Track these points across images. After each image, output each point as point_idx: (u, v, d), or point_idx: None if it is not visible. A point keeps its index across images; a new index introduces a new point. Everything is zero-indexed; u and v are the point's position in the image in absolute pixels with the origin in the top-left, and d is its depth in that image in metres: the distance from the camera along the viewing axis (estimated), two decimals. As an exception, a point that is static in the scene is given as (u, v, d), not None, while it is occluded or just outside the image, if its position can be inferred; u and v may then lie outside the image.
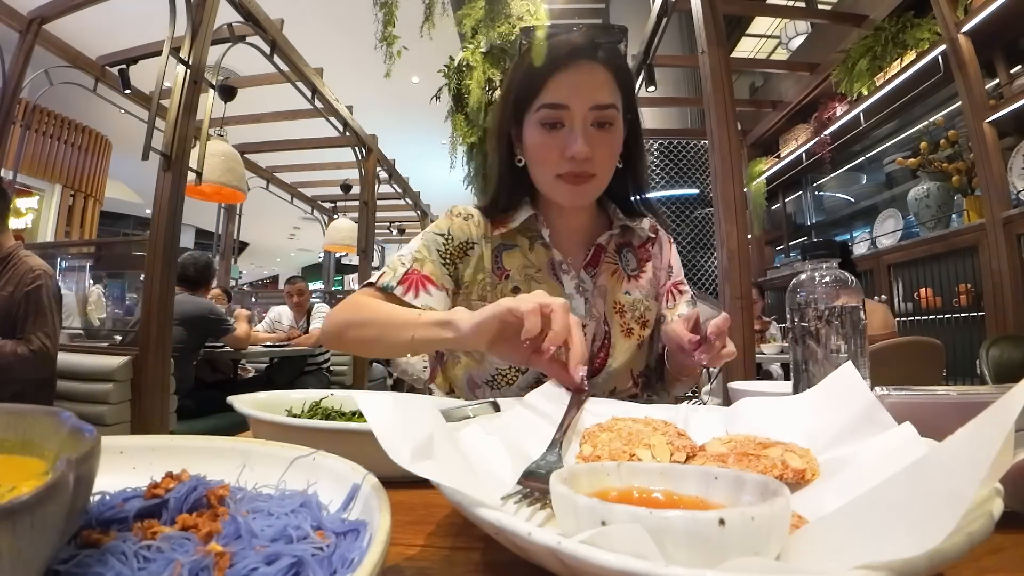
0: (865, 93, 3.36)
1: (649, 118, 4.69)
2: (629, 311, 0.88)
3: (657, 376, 0.96)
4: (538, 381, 0.84)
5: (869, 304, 2.46)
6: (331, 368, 3.74)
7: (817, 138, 3.95)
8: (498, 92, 3.50)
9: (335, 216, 5.72)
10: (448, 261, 0.85)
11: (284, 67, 3.05)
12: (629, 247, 0.93)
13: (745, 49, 5.86)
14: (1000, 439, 0.21)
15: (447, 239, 0.85)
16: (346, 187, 5.31)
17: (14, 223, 5.31)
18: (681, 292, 0.94)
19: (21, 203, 5.51)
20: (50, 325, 1.67)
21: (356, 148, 4.08)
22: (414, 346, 0.67)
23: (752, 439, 0.40)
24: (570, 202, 0.82)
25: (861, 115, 3.58)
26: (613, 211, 0.92)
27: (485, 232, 0.87)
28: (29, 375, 1.65)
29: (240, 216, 5.40)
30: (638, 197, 0.92)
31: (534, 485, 0.34)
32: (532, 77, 0.78)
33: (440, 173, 5.24)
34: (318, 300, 4.32)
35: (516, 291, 0.84)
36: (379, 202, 5.20)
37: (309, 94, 3.30)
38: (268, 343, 3.40)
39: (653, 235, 0.96)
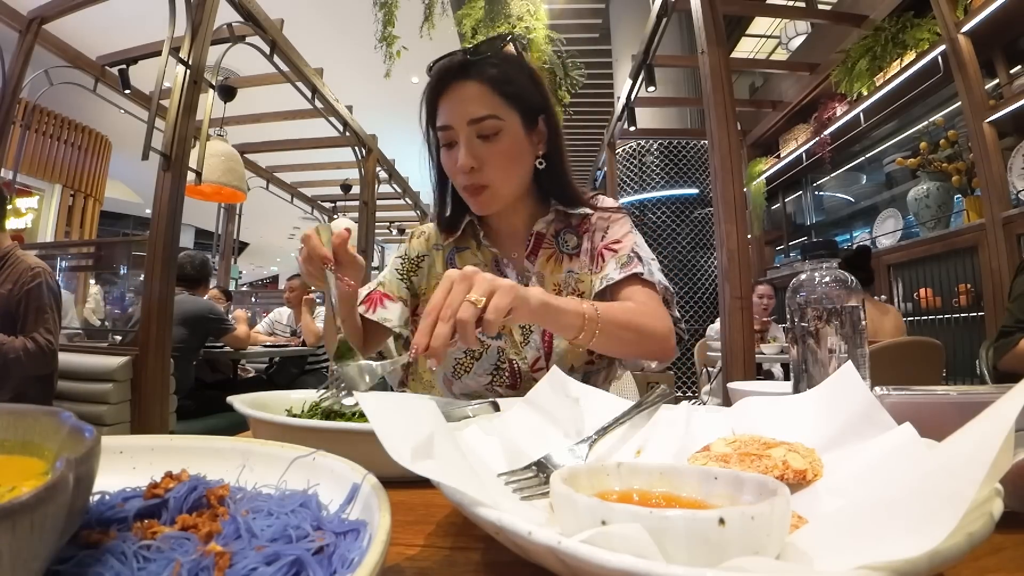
0: (865, 93, 3.37)
1: (649, 118, 4.70)
2: (564, 288, 0.91)
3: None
4: (496, 368, 0.88)
5: (881, 307, 2.45)
6: (331, 368, 3.73)
7: (817, 138, 3.96)
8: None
9: (335, 216, 5.71)
10: (404, 276, 0.96)
11: (284, 67, 3.05)
12: (568, 227, 0.95)
13: (745, 49, 5.87)
14: (1000, 439, 0.21)
15: (403, 259, 0.98)
16: (346, 187, 5.32)
17: (14, 223, 5.34)
18: (614, 251, 0.89)
19: (21, 203, 5.51)
20: (51, 322, 1.69)
21: (356, 148, 4.08)
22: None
23: (757, 439, 0.40)
24: (477, 211, 0.89)
25: (861, 115, 3.59)
26: (552, 203, 0.95)
27: (437, 242, 0.97)
28: (34, 371, 1.66)
29: (240, 216, 5.40)
30: (569, 188, 0.93)
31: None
32: (428, 104, 0.87)
33: (440, 173, 5.24)
34: (319, 300, 4.32)
35: None
36: (379, 202, 5.19)
37: (309, 94, 3.30)
38: (268, 344, 3.40)
39: (591, 212, 0.95)
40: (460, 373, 0.90)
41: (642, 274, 0.84)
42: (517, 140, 0.84)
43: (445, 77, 0.83)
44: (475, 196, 0.84)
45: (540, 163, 0.88)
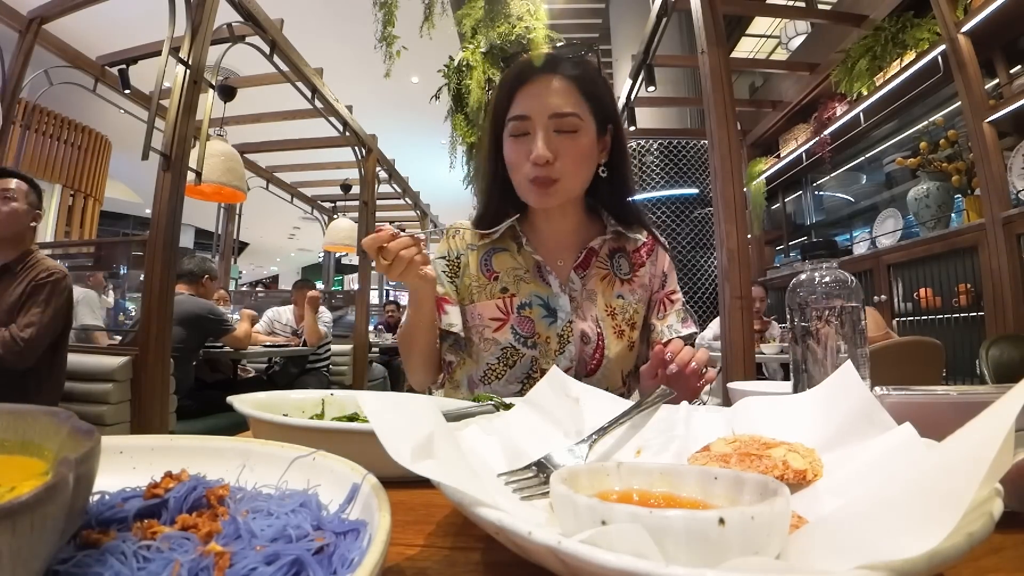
0: (865, 93, 3.36)
1: (649, 118, 4.69)
2: (620, 313, 0.93)
3: (636, 382, 0.98)
4: (527, 377, 0.89)
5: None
6: (331, 368, 3.73)
7: (817, 138, 3.95)
8: (497, 92, 3.51)
9: (335, 216, 5.71)
10: (452, 277, 0.96)
11: (284, 67, 3.05)
12: (622, 252, 0.98)
13: (745, 49, 5.86)
14: (1000, 439, 0.21)
15: (447, 260, 0.96)
16: (346, 187, 5.31)
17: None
18: (672, 302, 0.97)
19: (21, 203, 5.49)
20: (39, 316, 1.65)
21: (356, 148, 4.08)
22: (419, 326, 0.86)
23: (757, 439, 0.40)
24: (537, 204, 0.89)
25: (861, 115, 3.58)
26: (607, 218, 0.97)
27: (471, 242, 0.97)
28: (6, 364, 1.61)
29: (240, 216, 5.39)
30: (628, 203, 0.97)
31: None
32: (502, 94, 0.87)
33: (440, 173, 5.24)
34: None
35: (505, 291, 0.92)
36: (379, 202, 5.19)
37: (309, 94, 3.30)
38: (268, 344, 3.40)
39: (649, 243, 1.00)
40: (491, 379, 0.90)
41: (696, 334, 0.94)
42: (590, 142, 0.86)
43: (528, 69, 0.84)
44: (543, 188, 0.84)
45: (603, 171, 0.90)
